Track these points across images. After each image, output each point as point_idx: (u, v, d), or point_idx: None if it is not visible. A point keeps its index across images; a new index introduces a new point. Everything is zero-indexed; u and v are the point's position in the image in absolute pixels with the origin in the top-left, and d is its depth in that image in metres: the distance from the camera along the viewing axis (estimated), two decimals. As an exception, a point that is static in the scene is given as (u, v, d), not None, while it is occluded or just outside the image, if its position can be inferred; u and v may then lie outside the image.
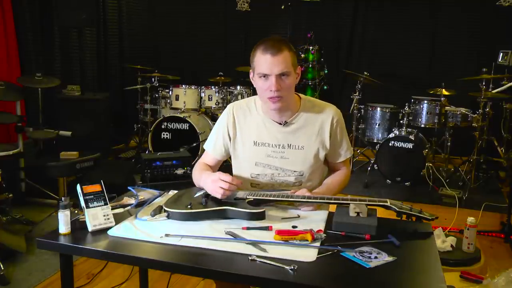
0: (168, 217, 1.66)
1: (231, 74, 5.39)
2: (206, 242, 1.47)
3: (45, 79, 4.09)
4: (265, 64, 1.72)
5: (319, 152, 1.89)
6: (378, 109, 4.84)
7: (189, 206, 1.66)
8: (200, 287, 2.79)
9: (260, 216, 1.63)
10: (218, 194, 1.70)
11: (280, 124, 1.88)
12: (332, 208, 1.75)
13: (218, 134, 1.98)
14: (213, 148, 2.01)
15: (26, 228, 3.37)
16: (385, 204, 1.61)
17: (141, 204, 1.79)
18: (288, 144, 1.88)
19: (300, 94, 1.94)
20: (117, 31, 5.93)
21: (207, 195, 1.75)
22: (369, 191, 4.25)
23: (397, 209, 1.61)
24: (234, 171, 1.99)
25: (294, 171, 1.88)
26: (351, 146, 2.03)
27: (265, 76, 1.74)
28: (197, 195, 1.77)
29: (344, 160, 1.99)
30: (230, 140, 1.95)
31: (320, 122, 1.89)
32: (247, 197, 1.72)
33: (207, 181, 1.76)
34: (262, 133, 1.90)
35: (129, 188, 1.93)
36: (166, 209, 1.67)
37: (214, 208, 1.66)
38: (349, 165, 2.04)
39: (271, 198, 1.74)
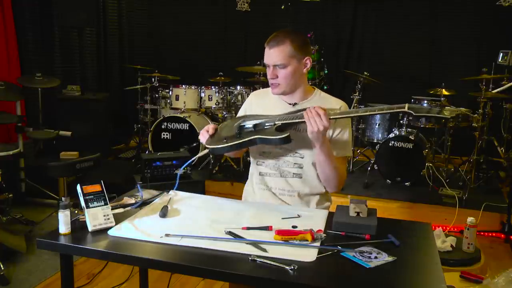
0: (209, 153, 1.71)
1: (231, 74, 5.37)
2: (206, 242, 1.47)
3: (45, 79, 4.09)
4: (265, 55, 1.93)
5: None
6: (378, 109, 4.82)
7: (225, 140, 1.83)
8: (200, 287, 2.79)
9: (286, 140, 1.75)
10: (201, 136, 1.94)
11: (290, 104, 2.00)
12: (332, 208, 1.76)
13: (240, 113, 2.16)
14: None
15: (26, 228, 3.37)
16: (403, 110, 1.59)
17: (141, 204, 1.79)
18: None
19: (314, 87, 2.06)
20: (117, 31, 5.93)
21: (240, 127, 1.90)
22: (369, 191, 4.25)
23: (414, 113, 1.60)
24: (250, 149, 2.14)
25: (296, 152, 1.96)
26: (351, 147, 2.03)
27: (268, 65, 1.93)
28: (235, 124, 1.93)
29: (341, 158, 1.98)
30: None
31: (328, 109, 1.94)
32: (276, 122, 1.83)
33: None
34: (272, 113, 1.99)
35: (137, 184, 1.95)
36: (208, 146, 1.85)
37: (247, 139, 1.82)
38: (345, 167, 2.05)
39: (295, 121, 1.81)
